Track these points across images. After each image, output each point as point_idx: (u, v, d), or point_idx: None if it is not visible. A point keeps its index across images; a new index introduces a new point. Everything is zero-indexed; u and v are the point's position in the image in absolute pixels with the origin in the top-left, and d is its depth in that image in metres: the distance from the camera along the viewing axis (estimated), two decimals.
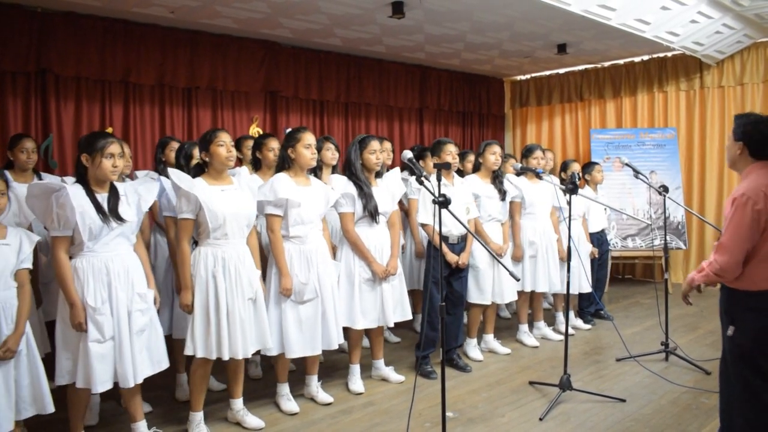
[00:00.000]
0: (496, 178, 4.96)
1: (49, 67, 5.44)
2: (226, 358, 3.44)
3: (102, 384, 3.09)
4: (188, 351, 3.44)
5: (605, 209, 6.15)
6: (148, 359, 3.28)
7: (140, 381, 3.23)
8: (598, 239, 6.12)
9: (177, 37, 6.15)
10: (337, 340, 3.94)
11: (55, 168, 5.39)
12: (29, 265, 3.06)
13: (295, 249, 3.82)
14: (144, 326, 3.25)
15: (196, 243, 3.56)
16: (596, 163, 6.20)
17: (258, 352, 3.79)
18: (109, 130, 5.61)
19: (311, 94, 7.33)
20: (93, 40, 5.63)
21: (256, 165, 4.38)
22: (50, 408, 3.04)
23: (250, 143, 4.69)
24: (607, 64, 8.73)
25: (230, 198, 3.50)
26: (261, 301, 3.62)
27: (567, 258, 4.19)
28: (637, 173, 5.10)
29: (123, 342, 3.13)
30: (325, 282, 3.88)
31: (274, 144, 4.35)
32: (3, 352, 2.84)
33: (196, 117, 6.43)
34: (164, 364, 3.39)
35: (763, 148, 2.82)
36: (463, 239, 4.60)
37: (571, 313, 5.84)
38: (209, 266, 3.43)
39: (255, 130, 6.73)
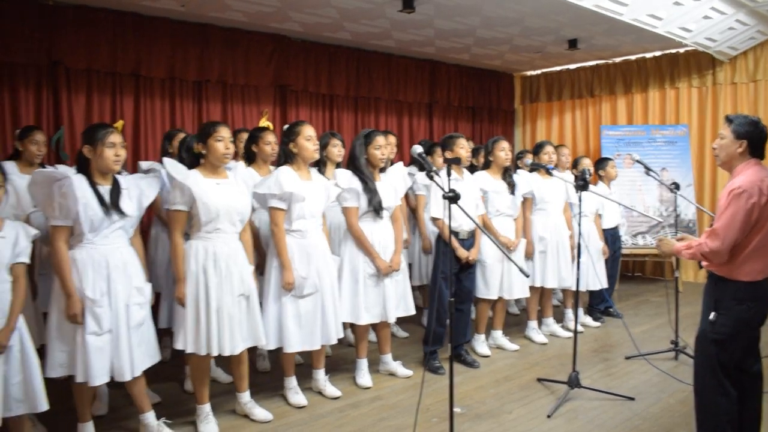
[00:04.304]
0: (506, 173, 4.93)
1: (60, 60, 5.46)
2: (214, 354, 3.40)
3: (99, 377, 3.08)
4: (178, 345, 3.43)
5: (619, 206, 6.11)
6: (147, 352, 3.28)
7: (137, 374, 3.22)
8: (612, 236, 6.08)
9: (187, 31, 6.15)
10: (336, 335, 3.92)
11: (66, 159, 5.41)
12: (26, 259, 3.01)
13: (296, 243, 3.80)
14: (142, 320, 3.25)
15: (188, 236, 3.52)
16: (610, 159, 6.15)
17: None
18: (120, 123, 5.61)
19: (321, 89, 7.32)
20: (104, 33, 5.64)
21: (250, 158, 4.36)
22: (43, 406, 2.97)
23: (243, 137, 4.64)
24: (618, 59, 8.67)
25: (225, 192, 3.46)
26: (254, 297, 3.58)
27: (576, 255, 4.17)
28: (648, 170, 5.07)
29: (121, 335, 3.13)
30: (324, 276, 3.86)
31: (270, 138, 4.33)
32: None
33: (206, 110, 6.44)
34: (157, 357, 3.39)
35: (762, 146, 3.01)
36: (473, 235, 4.58)
37: (581, 310, 5.81)
38: (200, 260, 3.39)
39: (265, 124, 6.72)
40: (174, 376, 4.23)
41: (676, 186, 4.93)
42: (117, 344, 3.12)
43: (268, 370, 4.59)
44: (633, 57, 8.50)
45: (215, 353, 3.40)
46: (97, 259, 3.10)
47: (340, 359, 4.71)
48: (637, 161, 5.13)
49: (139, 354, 3.22)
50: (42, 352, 3.16)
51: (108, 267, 3.11)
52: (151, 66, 5.96)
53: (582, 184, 4.15)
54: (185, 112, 6.31)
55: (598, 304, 6.03)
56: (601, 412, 3.85)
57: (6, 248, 2.90)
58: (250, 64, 6.62)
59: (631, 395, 4.05)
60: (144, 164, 4.64)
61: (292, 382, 4.00)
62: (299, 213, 3.77)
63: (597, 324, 5.90)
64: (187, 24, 6.14)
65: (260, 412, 3.71)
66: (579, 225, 4.26)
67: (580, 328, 5.34)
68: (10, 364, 2.88)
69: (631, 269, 8.65)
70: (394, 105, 8.23)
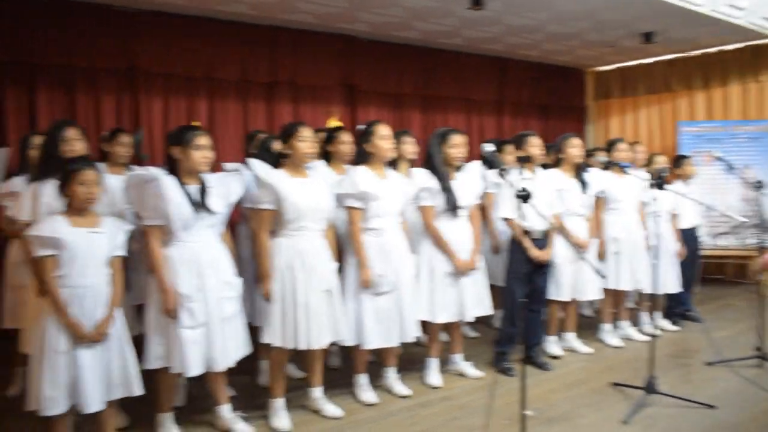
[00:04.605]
0: (578, 170, 4.81)
1: (138, 65, 5.68)
2: (301, 348, 3.50)
3: (195, 368, 3.21)
4: (265, 339, 3.52)
5: (697, 205, 5.87)
6: (238, 344, 3.40)
7: (231, 365, 3.34)
8: (690, 237, 5.84)
9: (258, 33, 6.29)
10: (413, 333, 3.93)
11: (145, 160, 5.61)
12: (123, 252, 3.16)
13: (372, 241, 3.83)
14: (233, 313, 3.37)
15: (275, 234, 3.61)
16: (687, 157, 5.91)
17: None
18: (197, 124, 5.79)
19: (389, 88, 7.34)
20: (179, 37, 5.84)
21: (327, 159, 4.41)
22: (139, 390, 3.14)
23: (321, 137, 4.70)
24: (696, 52, 8.31)
25: (308, 191, 3.54)
26: (337, 293, 3.65)
27: (654, 256, 4.02)
28: (730, 168, 4.85)
29: (213, 328, 3.24)
30: (402, 274, 3.87)
31: (346, 137, 4.38)
32: (96, 335, 2.96)
33: (276, 111, 6.58)
34: (249, 348, 3.50)
35: None
36: (546, 235, 4.49)
37: (658, 314, 5.61)
38: (286, 258, 3.49)
39: (334, 124, 6.78)
40: (248, 371, 4.32)
41: (760, 184, 4.70)
42: (210, 337, 3.24)
43: (339, 367, 4.63)
44: (712, 49, 8.13)
45: (302, 347, 3.48)
46: (189, 256, 3.22)
47: (409, 358, 4.70)
48: (719, 158, 4.93)
49: (231, 346, 3.34)
50: (135, 341, 3.29)
51: (199, 263, 3.23)
52: (223, 68, 6.13)
53: (658, 182, 4.01)
54: (257, 113, 6.47)
55: (676, 307, 5.81)
56: (680, 420, 3.70)
57: (105, 243, 3.05)
58: (319, 65, 6.71)
59: (712, 403, 3.87)
60: (228, 166, 4.76)
61: (363, 378, 4.02)
62: (375, 211, 3.80)
63: (675, 328, 5.68)
64: (258, 27, 6.27)
65: (331, 408, 3.75)
66: (656, 225, 4.09)
67: (657, 331, 5.15)
68: (110, 351, 3.05)
69: (712, 271, 8.28)
70: (463, 103, 8.17)
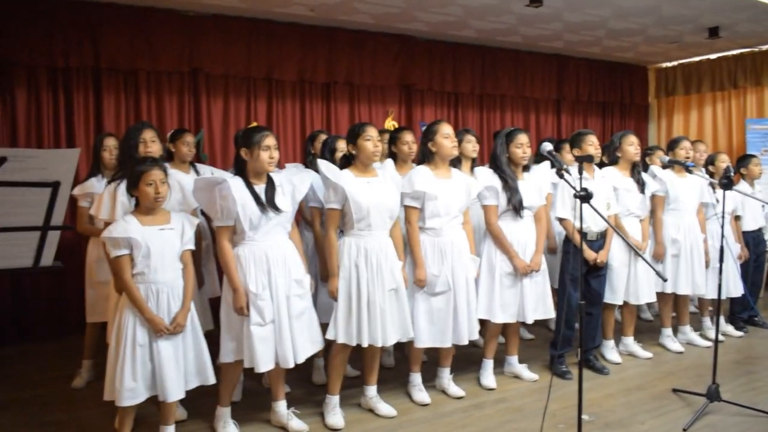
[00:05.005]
0: (635, 169, 4.70)
1: (200, 67, 5.84)
2: (365, 344, 3.55)
3: (265, 364, 3.28)
4: (330, 335, 3.58)
5: (763, 206, 5.65)
6: (309, 341, 3.47)
7: (300, 361, 3.41)
8: (755, 239, 5.64)
9: (316, 34, 6.38)
10: (467, 336, 3.91)
11: (205, 160, 5.77)
12: (192, 246, 3.28)
13: (429, 241, 3.85)
14: (303, 310, 3.44)
15: (342, 233, 3.68)
16: (753, 156, 5.69)
17: None
18: (255, 125, 5.91)
19: (446, 87, 7.33)
20: (239, 40, 5.98)
21: (393, 159, 4.45)
22: (212, 379, 3.27)
23: (385, 137, 4.77)
24: (765, 47, 7.97)
25: (375, 190, 3.59)
26: (403, 292, 3.69)
27: (720, 259, 3.89)
28: None
29: (282, 325, 3.32)
30: (459, 276, 3.86)
31: (408, 137, 4.40)
32: (174, 327, 3.09)
33: (334, 111, 6.66)
34: (321, 344, 3.58)
35: None
36: (602, 236, 4.41)
37: (722, 319, 5.43)
38: (352, 256, 3.55)
39: (390, 124, 6.83)
40: (303, 368, 4.38)
41: None
42: (280, 334, 3.32)
43: (393, 366, 4.66)
44: None
45: (365, 344, 3.54)
46: (258, 255, 3.30)
47: (464, 359, 4.69)
48: None
49: (302, 342, 3.42)
50: (208, 336, 3.41)
51: (268, 262, 3.31)
52: (282, 70, 6.24)
53: (726, 182, 3.88)
54: (315, 113, 6.56)
55: (741, 312, 5.61)
56: (744, 428, 3.58)
57: (176, 238, 3.18)
58: (376, 65, 6.76)
59: None
60: (288, 166, 4.85)
61: (417, 378, 4.04)
62: (433, 211, 3.81)
63: (740, 333, 5.48)
64: (316, 28, 6.36)
65: (385, 408, 3.78)
66: (722, 227, 3.96)
67: (720, 337, 4.99)
68: (186, 341, 3.18)
69: None
70: (521, 102, 8.10)
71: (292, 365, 3.37)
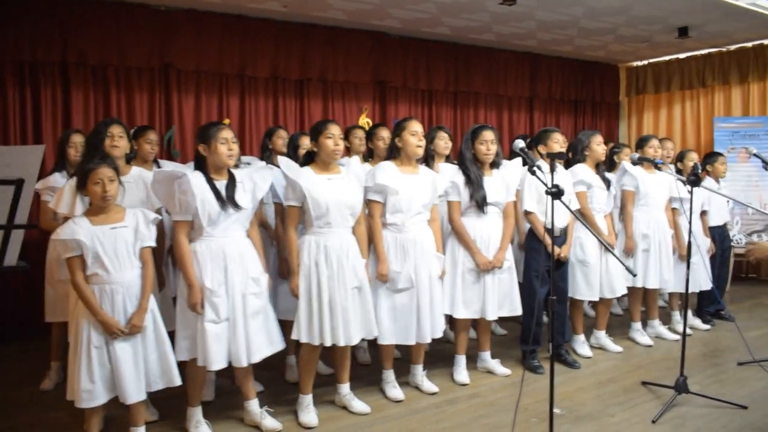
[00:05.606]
0: (599, 167, 4.78)
1: (172, 62, 5.77)
2: (327, 344, 3.51)
3: (217, 362, 3.24)
4: (294, 335, 3.55)
5: (728, 202, 5.76)
6: (265, 340, 3.42)
7: (255, 361, 3.36)
8: (720, 234, 5.75)
9: (289, 31, 6.34)
10: (431, 334, 3.90)
11: (177, 157, 5.71)
12: (152, 243, 3.18)
13: (391, 237, 3.84)
14: (259, 309, 3.38)
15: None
16: (720, 154, 5.81)
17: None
18: (226, 121, 5.87)
19: (420, 84, 7.35)
20: (212, 35, 5.92)
21: (370, 155, 4.47)
22: (177, 381, 3.19)
23: (359, 133, 4.78)
24: (733, 47, 8.14)
25: (335, 187, 3.55)
26: (366, 290, 3.66)
27: (687, 254, 3.97)
28: (766, 164, 4.75)
29: (237, 323, 3.27)
30: (422, 273, 3.84)
31: (384, 133, 4.42)
32: (129, 329, 3.01)
33: (307, 108, 6.63)
34: (280, 345, 3.52)
35: None
36: (564, 232, 4.45)
37: (689, 312, 5.53)
38: (312, 254, 3.51)
39: (364, 121, 6.83)
40: (276, 366, 4.37)
41: None
42: (234, 332, 3.27)
43: (369, 363, 4.66)
44: (750, 44, 7.96)
45: (328, 343, 3.51)
46: (216, 251, 3.26)
47: (437, 355, 4.72)
48: (755, 155, 4.82)
49: (258, 342, 3.36)
50: (171, 336, 3.35)
51: (225, 258, 3.27)
52: (255, 66, 6.20)
53: (693, 179, 3.95)
54: (288, 110, 6.53)
55: (707, 305, 5.72)
56: (711, 419, 3.65)
57: (129, 235, 3.09)
58: (350, 62, 6.75)
59: (743, 403, 3.82)
60: (244, 159, 4.81)
61: (390, 375, 4.04)
62: (395, 206, 3.80)
63: (707, 327, 5.60)
64: (290, 24, 6.33)
65: (358, 405, 3.78)
66: (690, 222, 4.03)
67: (688, 330, 5.08)
68: (146, 343, 3.11)
69: (745, 270, 8.11)
70: (494, 99, 8.15)
71: (245, 364, 3.32)
